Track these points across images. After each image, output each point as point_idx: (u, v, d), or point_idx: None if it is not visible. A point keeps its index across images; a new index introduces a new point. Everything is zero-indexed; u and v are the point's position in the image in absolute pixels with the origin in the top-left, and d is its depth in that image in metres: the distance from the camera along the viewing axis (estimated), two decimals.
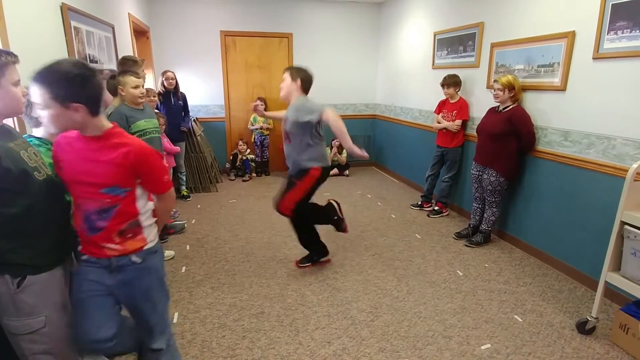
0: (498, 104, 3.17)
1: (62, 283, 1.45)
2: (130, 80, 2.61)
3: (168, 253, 3.09)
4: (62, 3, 2.38)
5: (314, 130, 2.67)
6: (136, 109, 2.70)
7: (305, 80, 2.73)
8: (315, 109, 2.60)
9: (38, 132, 1.67)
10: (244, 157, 5.61)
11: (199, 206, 4.39)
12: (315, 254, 3.00)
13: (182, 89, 5.48)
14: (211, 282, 2.76)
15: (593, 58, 2.59)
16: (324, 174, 2.75)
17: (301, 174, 2.70)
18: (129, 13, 3.95)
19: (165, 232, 3.47)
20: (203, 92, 5.61)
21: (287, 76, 2.72)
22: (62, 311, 1.44)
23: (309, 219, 2.90)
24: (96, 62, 2.90)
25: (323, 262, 3.03)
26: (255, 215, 4.11)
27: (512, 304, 2.52)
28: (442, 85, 3.91)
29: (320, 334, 2.22)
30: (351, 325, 2.29)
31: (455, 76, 3.85)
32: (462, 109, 3.83)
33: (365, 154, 2.59)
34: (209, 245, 3.36)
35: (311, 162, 2.69)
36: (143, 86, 2.73)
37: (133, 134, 2.55)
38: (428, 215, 4.13)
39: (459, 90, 3.90)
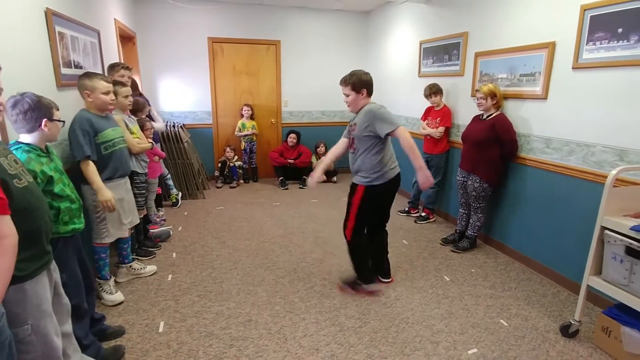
0: (482, 112, 3.24)
1: (46, 290, 1.43)
2: (101, 85, 2.33)
3: (150, 268, 2.95)
4: (47, 8, 2.35)
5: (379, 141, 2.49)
6: (99, 115, 2.40)
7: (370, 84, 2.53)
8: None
9: (26, 138, 1.66)
10: (232, 164, 5.59)
11: (185, 213, 4.34)
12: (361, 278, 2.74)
13: (168, 95, 5.47)
14: (198, 290, 2.72)
15: (573, 68, 2.67)
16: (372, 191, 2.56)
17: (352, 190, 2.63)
18: (115, 18, 3.92)
19: (152, 241, 3.42)
20: (190, 99, 5.57)
21: (349, 90, 2.51)
22: (48, 319, 1.42)
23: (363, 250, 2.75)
24: (81, 67, 2.86)
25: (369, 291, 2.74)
26: (242, 222, 4.08)
27: (498, 309, 2.55)
28: (426, 96, 4.00)
29: (308, 341, 2.21)
30: (339, 332, 2.29)
31: (435, 85, 3.95)
32: (445, 116, 3.91)
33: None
34: (196, 253, 3.32)
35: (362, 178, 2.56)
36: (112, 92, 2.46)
37: (100, 144, 2.34)
38: (415, 221, 4.17)
39: (442, 98, 3.98)
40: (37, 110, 1.62)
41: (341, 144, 2.75)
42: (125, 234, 2.65)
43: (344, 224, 2.69)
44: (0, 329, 1.14)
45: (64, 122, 1.78)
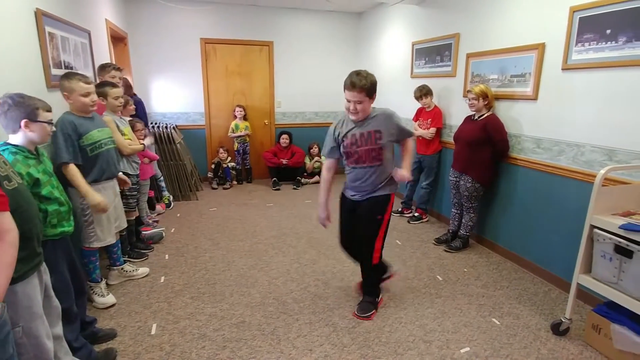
0: (474, 112, 3.27)
1: (37, 292, 1.43)
2: (79, 86, 2.20)
3: (142, 270, 2.93)
4: (37, 8, 2.33)
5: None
6: (84, 116, 2.31)
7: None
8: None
9: (14, 139, 1.64)
10: (225, 165, 5.57)
11: (178, 215, 4.32)
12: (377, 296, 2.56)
13: (160, 96, 5.45)
14: (191, 292, 2.71)
15: (562, 69, 2.71)
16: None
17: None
18: (106, 19, 3.89)
19: (145, 243, 3.40)
20: (183, 100, 5.55)
21: (363, 97, 2.10)
22: (39, 321, 1.41)
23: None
24: (71, 68, 2.83)
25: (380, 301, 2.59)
26: (236, 224, 4.07)
27: (490, 308, 2.57)
28: (417, 98, 4.02)
29: (302, 341, 2.21)
30: (333, 332, 2.29)
31: (425, 86, 3.98)
32: (436, 117, 3.94)
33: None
34: (189, 255, 3.31)
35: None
36: (94, 93, 2.33)
37: (86, 146, 2.27)
38: (408, 222, 4.19)
39: (432, 99, 4.01)
40: (17, 110, 1.59)
41: (331, 168, 2.38)
42: (114, 239, 2.60)
43: (368, 251, 2.37)
44: (3, 321, 1.15)
45: (51, 123, 1.73)
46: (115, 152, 2.57)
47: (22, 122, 1.60)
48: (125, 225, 2.78)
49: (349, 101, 2.12)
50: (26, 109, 1.61)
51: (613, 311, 2.09)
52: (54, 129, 1.77)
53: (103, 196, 2.36)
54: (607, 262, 2.01)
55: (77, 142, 2.24)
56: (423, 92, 3.96)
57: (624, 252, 1.91)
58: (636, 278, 1.88)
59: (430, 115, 3.98)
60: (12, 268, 1.18)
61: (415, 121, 4.17)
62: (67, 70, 2.55)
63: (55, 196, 1.71)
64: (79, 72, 2.34)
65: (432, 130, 3.91)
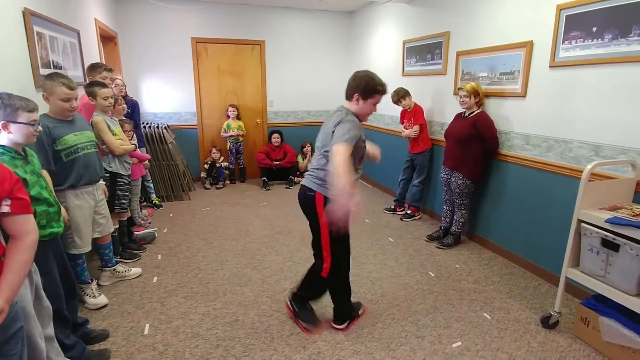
0: (464, 110, 3.30)
1: (28, 292, 1.44)
2: (60, 90, 2.08)
3: (135, 270, 2.91)
4: (25, 8, 2.31)
5: None
6: (62, 120, 2.20)
7: None
8: None
9: (1, 139, 1.62)
10: (218, 165, 5.56)
11: (171, 215, 4.30)
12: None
13: (152, 96, 5.42)
14: (184, 292, 2.71)
15: (550, 66, 2.74)
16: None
17: None
18: (95, 18, 3.86)
19: (137, 244, 3.38)
20: (174, 99, 5.52)
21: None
22: (32, 321, 1.42)
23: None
24: (60, 68, 2.81)
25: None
26: (229, 223, 4.07)
27: (482, 303, 2.60)
28: (395, 102, 4.06)
29: (295, 339, 2.22)
30: (326, 329, 2.30)
31: (400, 89, 4.03)
32: (417, 114, 3.99)
33: None
34: (182, 254, 3.30)
35: None
36: (76, 99, 2.20)
37: (60, 151, 2.16)
38: (401, 219, 4.21)
39: (411, 98, 4.05)
40: None
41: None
42: (89, 247, 2.46)
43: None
44: (14, 317, 1.17)
45: (33, 124, 1.65)
46: (96, 156, 2.42)
47: (0, 124, 1.56)
48: (111, 230, 2.71)
49: (375, 104, 2.21)
50: (4, 110, 1.56)
51: (601, 304, 2.13)
52: (39, 129, 1.72)
53: (80, 202, 2.32)
54: (595, 256, 2.04)
55: (52, 146, 2.14)
56: (400, 96, 4.00)
57: (610, 246, 1.95)
58: (622, 271, 1.91)
59: (412, 114, 4.02)
60: (28, 269, 1.23)
61: (402, 123, 4.21)
62: (53, 71, 2.49)
63: (44, 197, 1.69)
64: (66, 74, 2.21)
65: (416, 127, 3.95)
